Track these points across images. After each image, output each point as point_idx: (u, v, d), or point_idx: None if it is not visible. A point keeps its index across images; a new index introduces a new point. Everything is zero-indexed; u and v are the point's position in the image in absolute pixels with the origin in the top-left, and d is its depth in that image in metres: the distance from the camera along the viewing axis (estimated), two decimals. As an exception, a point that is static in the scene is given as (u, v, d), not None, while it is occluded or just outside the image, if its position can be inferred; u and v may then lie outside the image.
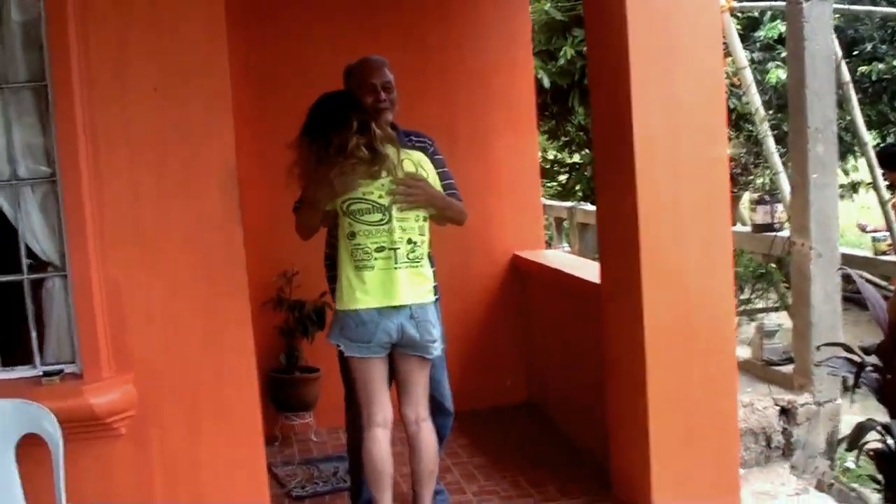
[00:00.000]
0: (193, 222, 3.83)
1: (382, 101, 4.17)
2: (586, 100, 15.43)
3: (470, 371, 6.09)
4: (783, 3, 6.18)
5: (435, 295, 4.08)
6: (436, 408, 4.30)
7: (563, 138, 16.65)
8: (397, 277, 3.90)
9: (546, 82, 13.42)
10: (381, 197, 3.90)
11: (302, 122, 4.00)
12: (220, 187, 3.86)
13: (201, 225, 3.85)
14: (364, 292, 3.90)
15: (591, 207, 10.68)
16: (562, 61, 13.39)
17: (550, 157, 19.31)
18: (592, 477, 4.91)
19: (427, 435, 4.08)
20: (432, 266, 4.22)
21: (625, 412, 4.41)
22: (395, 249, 3.90)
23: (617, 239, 4.35)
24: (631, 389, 4.28)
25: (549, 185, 16.49)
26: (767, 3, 11.10)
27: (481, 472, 5.15)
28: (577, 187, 16.59)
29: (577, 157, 17.98)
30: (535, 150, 6.65)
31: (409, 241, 3.94)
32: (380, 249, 3.90)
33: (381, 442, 4.00)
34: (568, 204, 10.28)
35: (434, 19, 6.31)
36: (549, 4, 13.70)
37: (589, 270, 5.37)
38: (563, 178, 17.57)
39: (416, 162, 4.02)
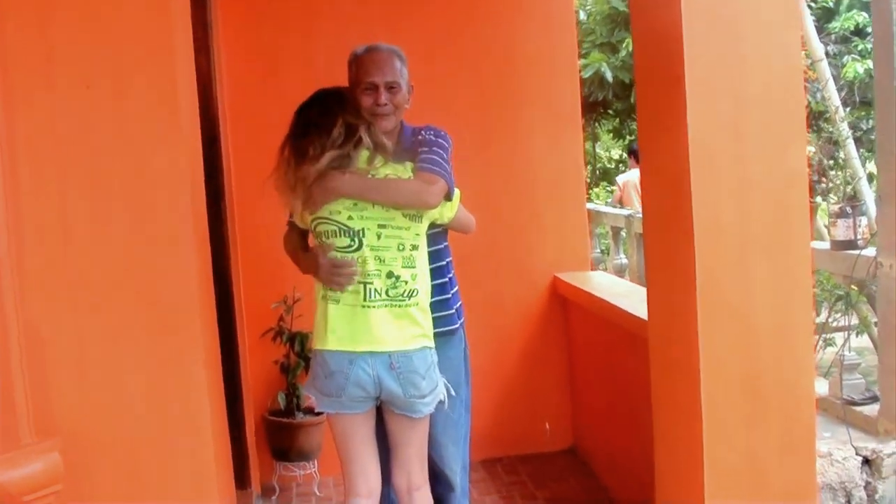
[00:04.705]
0: (136, 251, 3.09)
1: (382, 104, 3.41)
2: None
3: (504, 412, 5.51)
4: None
5: (431, 340, 3.36)
6: (434, 476, 3.58)
7: (628, 137, 16.06)
8: (370, 317, 3.21)
9: (609, 76, 12.87)
10: (349, 218, 3.22)
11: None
12: (170, 206, 3.10)
13: (146, 255, 3.10)
14: (330, 330, 3.24)
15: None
16: (624, 54, 12.89)
17: (616, 156, 18.75)
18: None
19: None
20: (451, 305, 3.60)
21: (676, 484, 3.58)
22: (366, 283, 3.21)
23: (666, 268, 3.52)
24: (684, 457, 3.44)
25: (610, 188, 15.87)
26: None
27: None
28: (642, 189, 15.95)
29: (642, 157, 17.33)
30: (579, 153, 5.85)
31: (390, 275, 3.22)
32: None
33: None
34: (625, 212, 9.49)
35: (463, 8, 5.58)
36: (611, -6, 13.12)
37: (641, 300, 4.58)
38: (626, 177, 17.15)
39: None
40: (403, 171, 3.30)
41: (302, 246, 3.51)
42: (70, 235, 3.04)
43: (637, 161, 8.54)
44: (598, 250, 9.62)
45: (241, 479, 4.86)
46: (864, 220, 5.81)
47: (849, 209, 5.65)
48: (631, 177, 11.14)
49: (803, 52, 7.68)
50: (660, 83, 3.43)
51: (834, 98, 7.46)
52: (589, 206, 10.10)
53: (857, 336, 6.49)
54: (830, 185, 7.78)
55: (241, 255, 5.07)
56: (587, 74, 12.83)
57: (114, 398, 3.10)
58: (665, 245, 3.53)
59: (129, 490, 3.11)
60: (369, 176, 3.24)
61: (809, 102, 9.53)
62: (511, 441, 5.52)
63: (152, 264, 3.09)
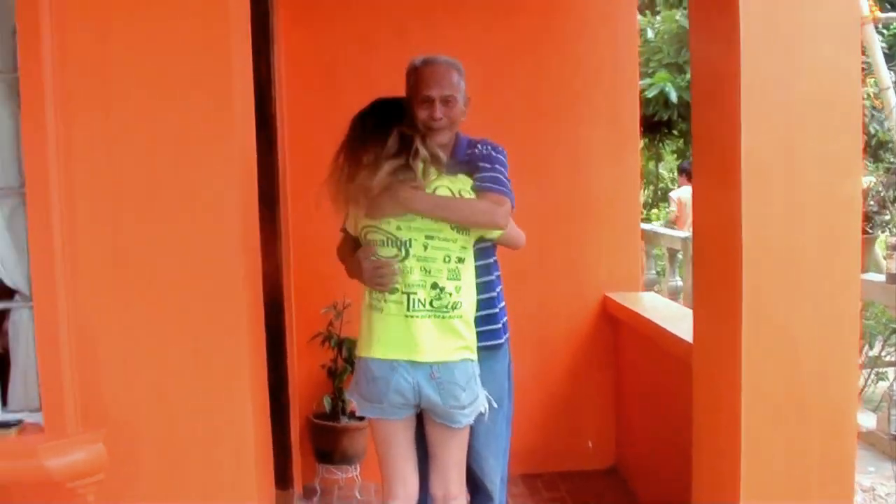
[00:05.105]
0: (186, 251, 3.13)
1: (437, 119, 3.42)
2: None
3: (548, 428, 5.55)
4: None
5: (474, 353, 3.38)
6: (474, 487, 3.64)
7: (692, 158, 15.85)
8: (413, 327, 3.24)
9: (673, 97, 12.71)
10: (398, 228, 3.25)
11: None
12: (220, 208, 3.13)
13: (195, 255, 3.14)
14: (375, 339, 3.29)
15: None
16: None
17: (679, 177, 18.58)
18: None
19: None
20: (498, 320, 3.61)
21: (713, 500, 3.56)
22: (410, 294, 3.24)
23: (713, 290, 3.50)
24: (722, 483, 3.42)
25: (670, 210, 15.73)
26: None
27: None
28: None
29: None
30: (636, 171, 5.88)
31: (434, 286, 3.25)
32: (391, 291, 3.24)
33: None
34: (683, 234, 9.41)
35: (526, 21, 5.57)
36: (679, 14, 12.96)
37: (690, 325, 4.55)
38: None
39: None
40: (454, 182, 3.32)
41: (353, 253, 3.52)
42: (122, 234, 3.08)
43: (688, 179, 8.49)
44: (654, 271, 9.53)
45: (284, 479, 4.91)
46: (921, 255, 5.72)
47: (906, 242, 5.58)
48: (683, 194, 11.06)
49: (871, 80, 7.58)
50: (715, 106, 3.42)
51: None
52: (647, 226, 10.04)
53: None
54: (889, 216, 7.65)
55: (293, 261, 5.13)
56: (652, 94, 12.71)
57: (159, 394, 3.14)
58: (713, 267, 3.51)
59: (169, 483, 3.15)
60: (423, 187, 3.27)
61: (876, 132, 9.40)
62: (553, 457, 5.53)
63: (201, 265, 3.12)
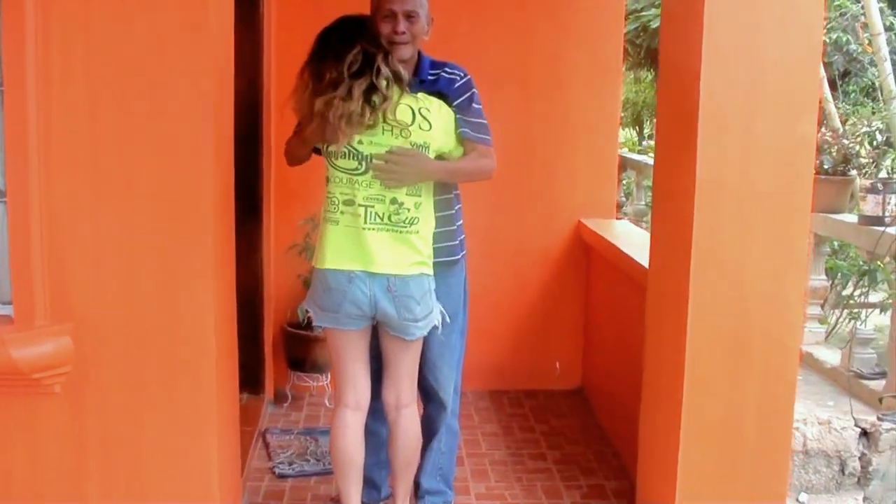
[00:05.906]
0: (159, 154, 3.18)
1: (400, 33, 3.47)
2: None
3: (518, 349, 5.67)
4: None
5: (429, 268, 3.47)
6: (428, 396, 3.78)
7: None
8: (367, 240, 3.33)
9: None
10: (359, 143, 3.31)
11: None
12: (192, 118, 3.17)
13: (168, 159, 3.18)
14: (330, 250, 3.41)
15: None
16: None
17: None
18: (622, 494, 4.27)
19: (407, 423, 3.58)
20: (456, 237, 3.69)
21: (656, 425, 3.70)
22: (366, 206, 3.33)
23: (668, 223, 3.61)
24: (665, 402, 3.56)
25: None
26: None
27: (496, 470, 4.52)
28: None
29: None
30: (617, 100, 5.91)
31: (394, 201, 3.34)
32: (348, 203, 3.37)
33: (348, 427, 3.53)
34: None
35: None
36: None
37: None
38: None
39: (416, 109, 3.37)
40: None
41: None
42: (96, 132, 3.12)
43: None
44: (643, 203, 9.58)
45: (256, 384, 5.07)
46: (894, 199, 5.78)
47: (880, 185, 5.64)
48: None
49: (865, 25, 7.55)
50: (679, 47, 3.51)
51: (884, 73, 7.30)
52: (638, 157, 10.07)
53: (880, 313, 6.48)
54: (877, 162, 7.66)
55: (275, 175, 5.21)
56: (656, 24, 12.60)
57: (125, 291, 3.20)
58: (668, 197, 3.62)
59: (133, 377, 3.23)
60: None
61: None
62: (522, 376, 5.67)
63: (172, 166, 3.16)
